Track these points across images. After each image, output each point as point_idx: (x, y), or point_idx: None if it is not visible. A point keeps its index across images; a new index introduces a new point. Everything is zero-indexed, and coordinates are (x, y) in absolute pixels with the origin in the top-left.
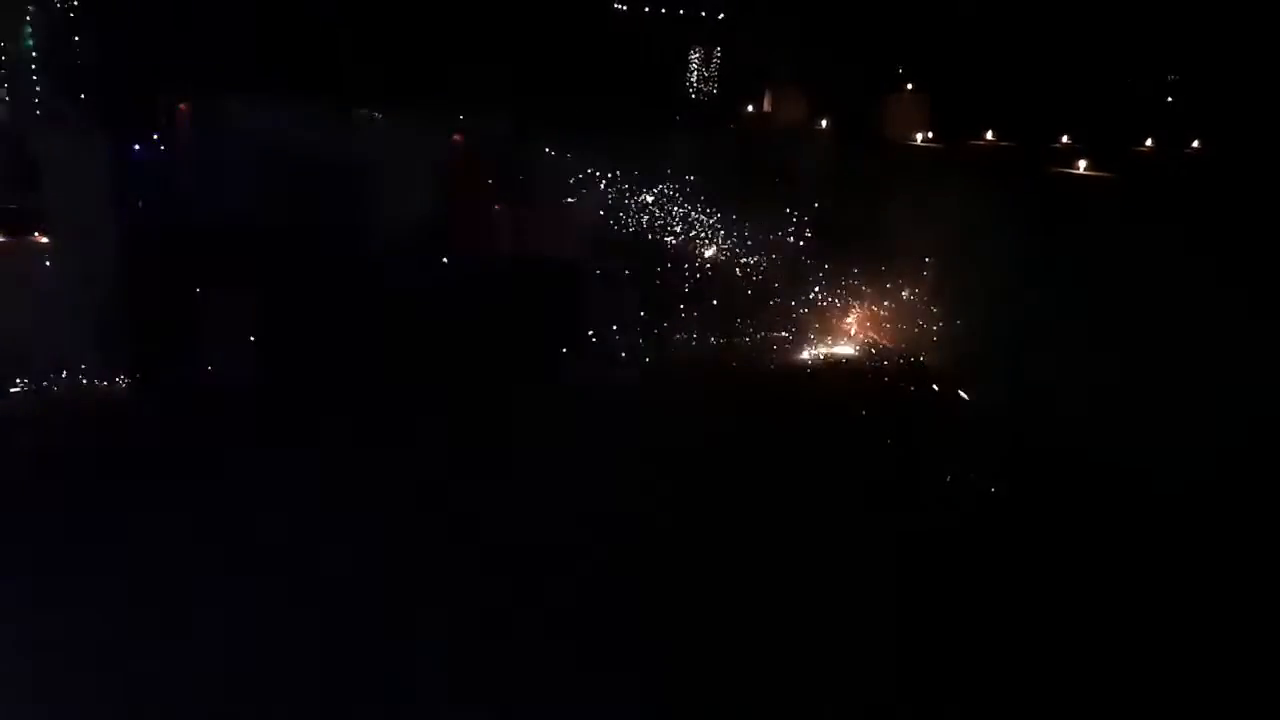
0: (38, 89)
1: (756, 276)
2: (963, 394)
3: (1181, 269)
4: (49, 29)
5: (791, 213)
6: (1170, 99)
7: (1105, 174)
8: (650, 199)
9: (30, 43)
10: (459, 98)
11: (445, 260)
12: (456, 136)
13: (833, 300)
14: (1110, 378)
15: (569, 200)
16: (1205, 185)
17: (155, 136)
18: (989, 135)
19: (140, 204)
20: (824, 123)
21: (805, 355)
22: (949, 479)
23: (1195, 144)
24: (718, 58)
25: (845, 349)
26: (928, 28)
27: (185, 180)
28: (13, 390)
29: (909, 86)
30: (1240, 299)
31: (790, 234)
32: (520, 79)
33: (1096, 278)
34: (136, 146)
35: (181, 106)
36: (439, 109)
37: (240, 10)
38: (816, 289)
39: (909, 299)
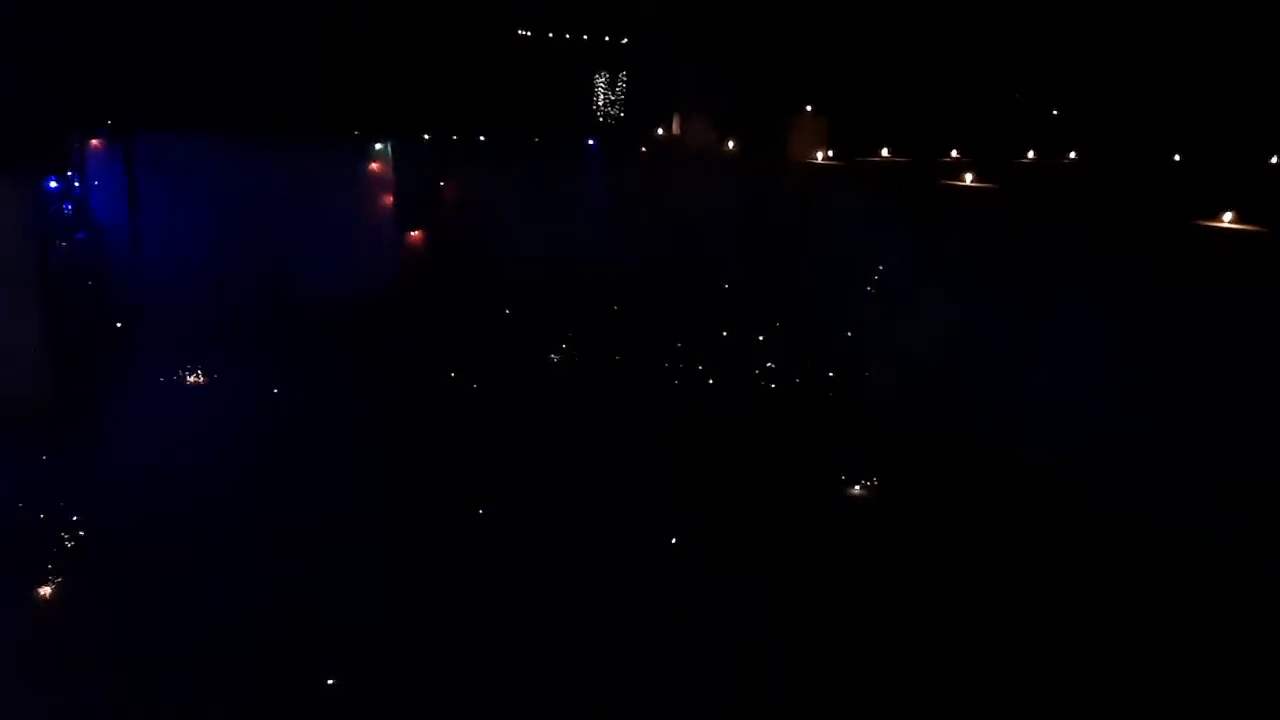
0: None
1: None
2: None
3: (1053, 268)
4: None
5: (697, 228)
6: (1052, 113)
7: (989, 184)
8: (562, 217)
9: None
10: (373, 126)
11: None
12: (374, 165)
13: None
14: (991, 369)
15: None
16: (1079, 193)
17: (68, 173)
18: (884, 152)
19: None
20: (730, 144)
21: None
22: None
23: (1072, 155)
24: (624, 83)
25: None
26: (827, 53)
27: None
28: None
29: (809, 109)
30: (1109, 294)
31: (697, 248)
32: (431, 107)
33: (976, 278)
34: (53, 184)
35: (94, 142)
36: (354, 137)
37: (151, 47)
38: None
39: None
